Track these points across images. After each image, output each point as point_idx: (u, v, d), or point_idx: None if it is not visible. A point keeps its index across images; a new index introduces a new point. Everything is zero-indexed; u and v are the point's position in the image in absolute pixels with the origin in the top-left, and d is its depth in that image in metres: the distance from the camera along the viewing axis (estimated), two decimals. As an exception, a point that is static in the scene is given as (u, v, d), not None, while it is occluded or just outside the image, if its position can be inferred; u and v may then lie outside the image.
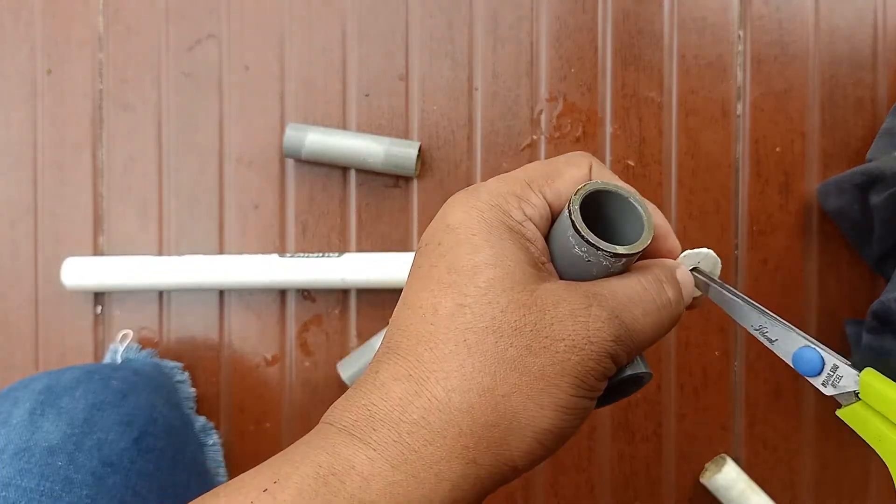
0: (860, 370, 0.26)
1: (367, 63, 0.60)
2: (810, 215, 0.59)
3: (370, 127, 0.60)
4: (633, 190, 0.26)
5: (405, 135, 0.60)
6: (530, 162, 0.28)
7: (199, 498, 0.22)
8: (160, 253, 0.61)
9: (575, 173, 0.26)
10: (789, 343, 0.28)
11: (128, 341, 0.59)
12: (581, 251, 0.24)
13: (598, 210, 0.26)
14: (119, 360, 0.57)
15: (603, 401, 0.28)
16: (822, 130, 0.59)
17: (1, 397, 0.44)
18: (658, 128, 0.59)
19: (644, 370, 0.27)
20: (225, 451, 0.61)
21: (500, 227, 0.24)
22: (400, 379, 0.23)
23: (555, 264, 0.25)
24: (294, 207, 0.60)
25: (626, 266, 0.25)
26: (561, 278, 0.25)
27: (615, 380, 0.26)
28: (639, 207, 0.25)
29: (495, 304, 0.22)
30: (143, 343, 0.60)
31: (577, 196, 0.24)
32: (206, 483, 0.56)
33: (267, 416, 0.60)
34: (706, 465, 0.59)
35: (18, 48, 0.62)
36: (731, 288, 0.29)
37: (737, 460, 0.59)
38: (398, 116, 0.60)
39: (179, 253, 0.60)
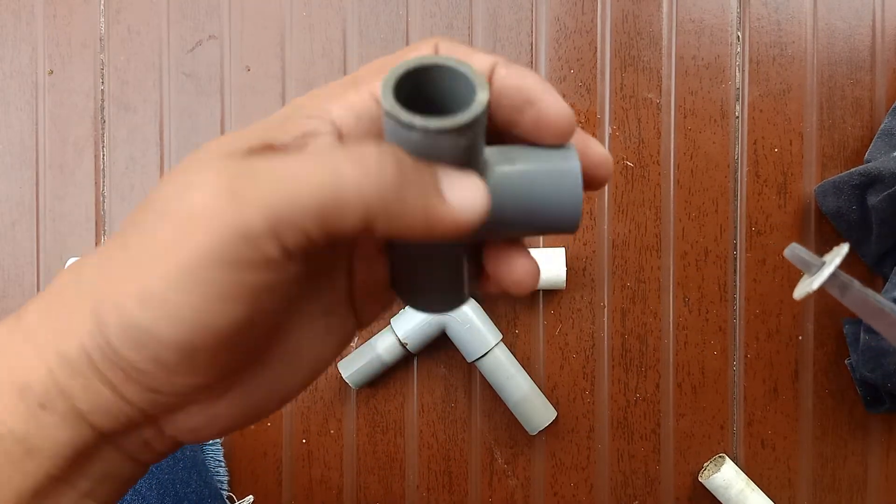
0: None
1: (367, 64, 0.61)
2: (808, 216, 0.59)
3: (370, 127, 0.60)
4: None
5: (405, 135, 0.60)
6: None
7: None
8: (161, 253, 0.61)
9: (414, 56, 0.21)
10: None
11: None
12: (385, 121, 0.20)
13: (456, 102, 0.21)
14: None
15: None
16: (821, 131, 0.59)
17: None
18: (657, 129, 0.59)
19: None
20: (226, 450, 0.61)
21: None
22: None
23: None
24: (294, 207, 0.61)
25: (454, 150, 0.20)
26: None
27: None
28: (470, 77, 0.19)
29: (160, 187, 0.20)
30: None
31: (398, 67, 0.19)
32: (207, 481, 0.56)
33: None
34: (705, 463, 0.59)
35: (20, 49, 0.62)
36: (880, 297, 0.25)
37: (735, 459, 0.59)
38: (398, 117, 0.60)
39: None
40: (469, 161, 0.20)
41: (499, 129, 0.22)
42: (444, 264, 0.23)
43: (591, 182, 0.22)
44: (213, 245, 0.18)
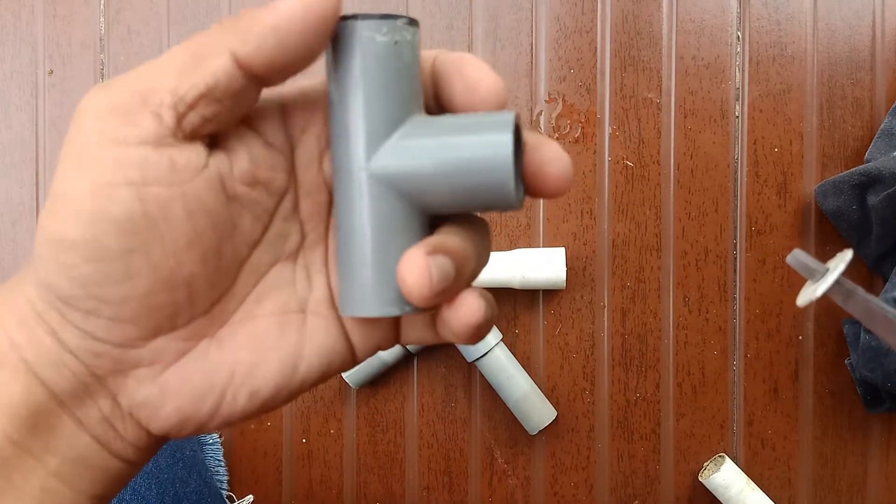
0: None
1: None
2: (808, 216, 0.59)
3: (370, 127, 0.60)
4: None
5: (405, 135, 0.60)
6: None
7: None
8: (161, 253, 0.61)
9: None
10: None
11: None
12: None
13: None
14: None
15: None
16: (821, 131, 0.59)
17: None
18: (657, 129, 0.59)
19: None
20: (226, 450, 0.61)
21: None
22: None
23: None
24: (294, 207, 0.61)
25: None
26: None
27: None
28: (397, 14, 0.22)
29: None
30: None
31: None
32: (206, 480, 0.56)
33: (268, 414, 0.61)
34: (705, 463, 0.59)
35: (20, 49, 0.62)
36: (885, 305, 0.24)
37: (735, 459, 0.59)
38: (398, 117, 0.60)
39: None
40: (399, 93, 0.21)
41: (443, 109, 0.23)
42: (376, 223, 0.21)
43: (545, 183, 0.22)
44: (92, 128, 0.19)
